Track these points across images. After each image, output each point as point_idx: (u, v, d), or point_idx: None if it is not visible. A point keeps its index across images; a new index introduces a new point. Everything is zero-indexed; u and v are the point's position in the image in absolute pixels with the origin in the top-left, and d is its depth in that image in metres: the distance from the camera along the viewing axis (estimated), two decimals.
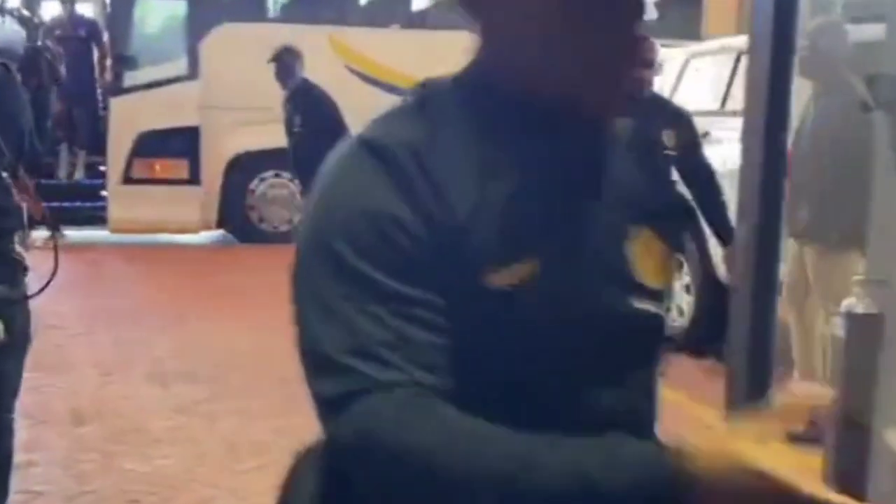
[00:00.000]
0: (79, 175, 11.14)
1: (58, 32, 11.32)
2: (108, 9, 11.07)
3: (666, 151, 3.76)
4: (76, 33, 11.51)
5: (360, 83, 11.31)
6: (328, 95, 7.78)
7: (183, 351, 6.36)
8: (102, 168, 11.00)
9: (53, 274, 3.48)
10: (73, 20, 11.55)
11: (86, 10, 12.25)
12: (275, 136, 11.26)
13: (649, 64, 4.12)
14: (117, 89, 10.85)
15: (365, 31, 11.49)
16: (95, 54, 11.74)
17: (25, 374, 5.65)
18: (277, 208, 11.42)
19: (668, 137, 4.01)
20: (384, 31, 11.69)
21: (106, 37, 11.46)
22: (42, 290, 3.43)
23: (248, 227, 11.36)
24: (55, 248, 3.57)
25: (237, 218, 11.33)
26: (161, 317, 7.31)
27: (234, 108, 11.11)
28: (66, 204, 10.95)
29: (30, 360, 5.71)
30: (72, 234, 10.77)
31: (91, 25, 11.71)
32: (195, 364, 6.06)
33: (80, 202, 11.14)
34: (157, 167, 11.00)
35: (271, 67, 10.58)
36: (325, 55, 11.33)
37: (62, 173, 11.36)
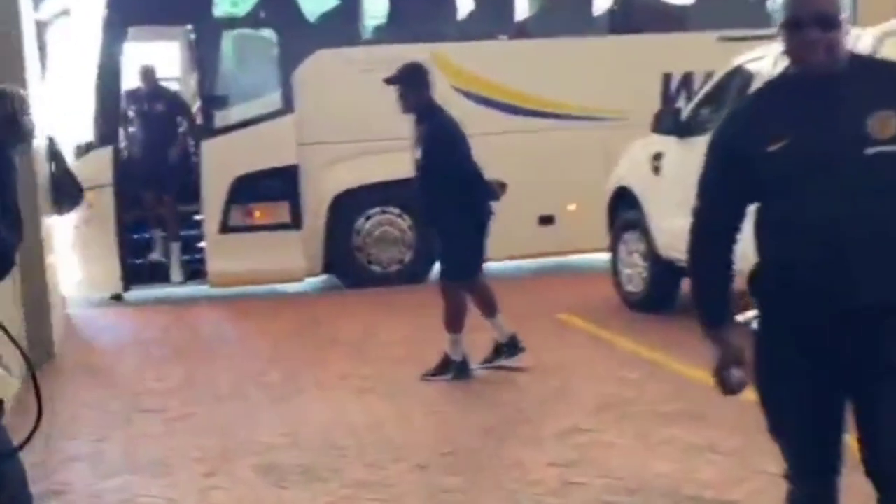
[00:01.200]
0: (175, 274, 10.17)
1: (134, 107, 10.24)
2: (194, 46, 10.25)
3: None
4: (154, 109, 10.24)
5: (468, 103, 10.33)
6: (455, 123, 6.58)
7: (294, 432, 5.41)
8: (197, 217, 10.16)
9: (37, 422, 2.85)
10: (150, 94, 10.26)
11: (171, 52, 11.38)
12: (379, 170, 10.42)
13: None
14: (208, 131, 10.04)
15: (469, 45, 10.51)
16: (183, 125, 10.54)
17: (118, 480, 4.83)
18: (387, 248, 10.49)
19: None
20: (489, 45, 10.71)
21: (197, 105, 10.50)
22: (29, 439, 2.83)
23: (356, 271, 10.46)
24: (36, 389, 2.93)
25: (344, 261, 10.43)
26: (266, 388, 6.39)
27: (333, 142, 10.24)
28: (162, 259, 10.23)
29: (124, 457, 4.88)
30: (170, 291, 10.03)
31: (172, 99, 10.49)
32: (309, 449, 5.10)
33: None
34: (257, 213, 10.16)
35: (390, 90, 9.71)
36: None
37: (177, 274, 10.23)
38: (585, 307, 8.65)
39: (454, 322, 6.49)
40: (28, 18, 8.04)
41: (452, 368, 6.45)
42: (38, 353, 7.22)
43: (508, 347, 6.65)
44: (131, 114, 10.25)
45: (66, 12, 10.48)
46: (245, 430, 5.49)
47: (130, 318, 9.20)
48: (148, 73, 10.21)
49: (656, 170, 8.06)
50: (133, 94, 10.21)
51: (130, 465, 4.96)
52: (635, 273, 8.48)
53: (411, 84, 6.51)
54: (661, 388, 6.02)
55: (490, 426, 5.41)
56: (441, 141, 6.41)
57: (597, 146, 10.71)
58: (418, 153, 6.52)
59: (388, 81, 6.63)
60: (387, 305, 9.12)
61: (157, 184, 10.15)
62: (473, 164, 6.47)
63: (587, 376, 6.39)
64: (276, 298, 10.03)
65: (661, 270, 8.11)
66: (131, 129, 10.37)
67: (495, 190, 6.63)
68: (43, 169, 8.12)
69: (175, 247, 10.10)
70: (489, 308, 6.63)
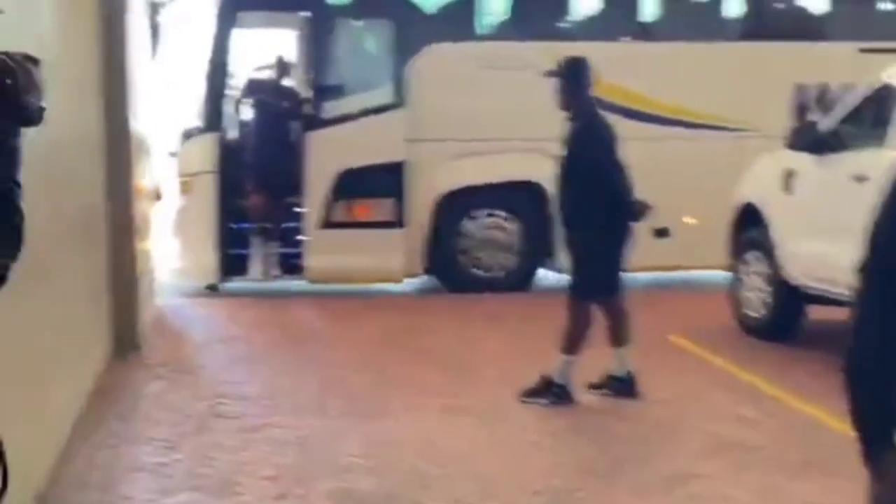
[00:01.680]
0: (267, 271, 9.85)
1: (258, 97, 9.85)
2: (306, 34, 9.91)
3: None
4: (279, 103, 9.89)
5: None
6: (608, 125, 6.16)
7: (375, 454, 4.99)
8: (298, 210, 9.84)
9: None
10: (278, 90, 9.95)
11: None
12: (489, 171, 9.97)
13: None
14: (315, 122, 9.70)
15: (590, 46, 9.95)
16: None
17: (181, 497, 4.47)
18: (492, 252, 10.03)
19: None
20: (612, 46, 10.15)
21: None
22: None
23: (458, 274, 10.03)
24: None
25: (446, 264, 10.01)
26: (350, 400, 5.98)
27: (444, 140, 9.82)
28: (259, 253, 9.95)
29: (191, 470, 4.53)
30: (266, 284, 9.73)
31: (295, 98, 10.01)
32: (390, 475, 4.67)
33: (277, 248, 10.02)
34: (360, 209, 9.79)
35: (506, 89, 9.33)
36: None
37: (257, 271, 9.87)
38: (699, 330, 8.06)
39: (572, 343, 5.96)
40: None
41: (552, 392, 5.96)
42: (123, 343, 7.00)
43: (622, 385, 6.12)
44: (250, 103, 9.92)
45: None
46: (323, 447, 5.09)
47: (222, 312, 8.91)
48: (281, 66, 9.89)
49: (788, 188, 7.43)
50: (258, 84, 9.87)
51: (197, 480, 4.61)
52: (756, 297, 7.86)
53: (572, 79, 6.02)
54: (785, 432, 5.43)
55: (589, 464, 4.91)
56: (588, 142, 5.92)
57: (720, 157, 10.09)
58: (563, 154, 6.05)
59: (549, 74, 6.16)
60: (488, 314, 8.66)
61: (268, 179, 9.77)
62: (620, 173, 5.93)
63: (700, 411, 5.83)
64: (373, 299, 9.66)
65: (786, 296, 7.51)
66: (248, 119, 10.05)
67: (638, 209, 6.04)
68: (140, 153, 7.88)
69: (273, 245, 9.77)
70: (620, 336, 6.11)
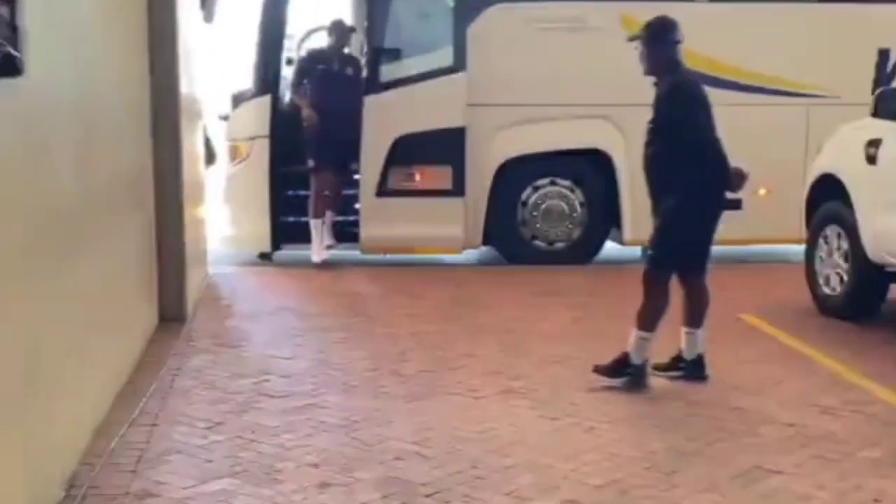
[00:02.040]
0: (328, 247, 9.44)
1: (321, 67, 9.27)
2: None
3: None
4: (343, 71, 9.38)
5: None
6: (697, 84, 5.61)
7: (426, 440, 4.68)
8: (356, 177, 9.53)
9: None
10: (341, 58, 9.42)
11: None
12: (552, 138, 9.57)
13: None
14: (373, 86, 9.36)
15: (662, 6, 9.44)
16: None
17: (217, 484, 4.20)
18: (553, 223, 9.66)
19: None
20: (684, 7, 9.58)
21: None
22: None
23: (518, 245, 9.68)
24: None
25: (506, 234, 9.66)
26: (403, 381, 5.67)
27: (505, 105, 9.45)
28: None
29: (231, 454, 4.26)
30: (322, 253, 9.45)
31: (355, 64, 9.54)
32: (442, 464, 4.36)
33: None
34: (417, 176, 9.47)
35: (571, 52, 8.89)
36: (615, 37, 9.44)
37: (316, 242, 9.35)
38: (773, 308, 7.64)
39: (649, 319, 5.56)
40: None
41: (627, 373, 5.59)
42: (169, 314, 6.77)
43: (691, 368, 5.74)
44: (313, 72, 9.35)
45: None
46: (372, 431, 4.78)
47: (273, 282, 8.64)
48: (340, 30, 9.37)
49: (871, 159, 6.94)
50: (320, 54, 9.43)
51: (236, 465, 4.32)
52: (835, 274, 7.41)
53: (655, 41, 5.58)
54: (869, 423, 5.02)
55: (655, 456, 4.54)
56: (674, 101, 5.47)
57: (796, 125, 9.64)
58: (650, 119, 5.63)
59: (632, 39, 5.73)
60: (549, 288, 8.30)
61: (333, 154, 9.26)
62: (712, 136, 5.47)
63: (775, 399, 5.42)
64: (429, 269, 9.34)
65: (868, 274, 7.06)
66: (312, 88, 9.61)
67: (733, 178, 5.55)
68: (190, 115, 7.61)
69: (329, 215, 9.40)
70: (696, 317, 5.71)
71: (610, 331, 6.56)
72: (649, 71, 5.66)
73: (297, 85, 9.20)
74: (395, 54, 9.47)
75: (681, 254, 5.60)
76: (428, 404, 5.23)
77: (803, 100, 9.63)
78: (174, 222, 6.83)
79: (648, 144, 5.62)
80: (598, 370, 5.61)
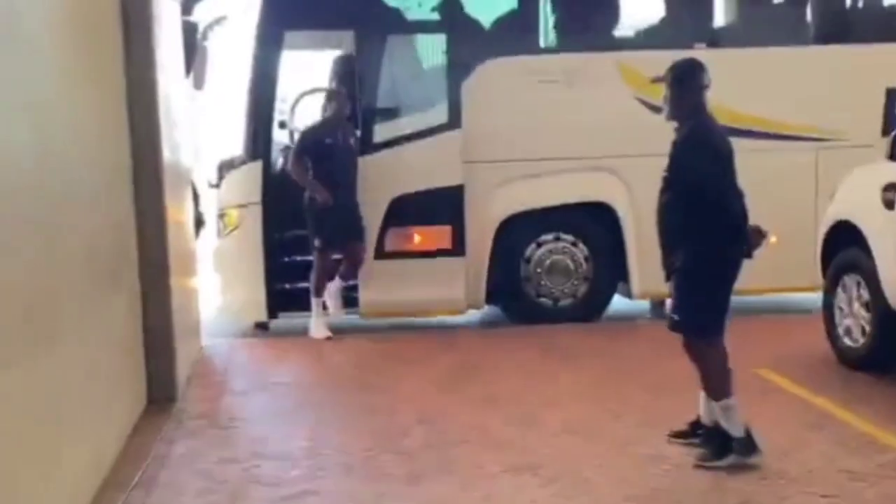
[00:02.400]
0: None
1: (328, 141, 8.61)
2: (355, 51, 9.30)
3: None
4: (347, 142, 8.76)
5: (654, 117, 9.07)
6: (716, 131, 5.30)
7: None
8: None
9: None
10: (343, 129, 8.78)
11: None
12: (554, 192, 9.26)
13: None
14: (367, 146, 9.08)
15: (660, 55, 9.20)
16: None
17: None
18: (558, 279, 9.33)
19: None
20: (683, 55, 9.31)
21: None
22: None
23: (523, 304, 9.34)
24: None
25: (510, 293, 9.34)
26: (406, 459, 5.31)
27: (504, 161, 9.16)
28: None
29: None
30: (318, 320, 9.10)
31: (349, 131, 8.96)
32: None
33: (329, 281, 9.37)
34: (416, 237, 9.15)
35: (570, 105, 8.65)
36: (614, 87, 9.21)
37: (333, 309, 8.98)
38: (790, 361, 7.29)
39: (717, 385, 5.19)
40: (168, 15, 7.27)
41: (734, 448, 5.12)
42: (157, 394, 6.43)
43: (715, 438, 5.25)
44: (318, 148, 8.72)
45: (221, 19, 9.75)
46: None
47: (269, 353, 8.29)
48: (341, 99, 8.85)
49: (889, 204, 6.62)
50: (321, 127, 8.81)
51: None
52: (856, 325, 7.07)
53: (680, 84, 5.27)
54: None
55: None
56: (691, 149, 5.14)
57: (805, 170, 9.35)
58: (666, 169, 5.30)
59: (655, 80, 5.42)
60: (556, 349, 7.95)
61: (343, 230, 8.75)
62: (728, 189, 5.12)
63: (802, 465, 5.06)
64: (431, 333, 8.98)
65: (891, 324, 6.71)
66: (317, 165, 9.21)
67: (751, 238, 5.16)
68: (178, 183, 7.34)
69: (338, 282, 9.04)
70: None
71: (623, 395, 6.23)
72: (671, 116, 5.34)
73: (299, 163, 8.67)
74: (389, 113, 9.20)
75: (704, 317, 5.21)
76: (431, 486, 4.88)
77: (811, 143, 9.34)
78: (161, 296, 6.52)
79: (662, 193, 5.31)
80: (703, 460, 5.16)
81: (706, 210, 5.05)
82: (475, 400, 6.49)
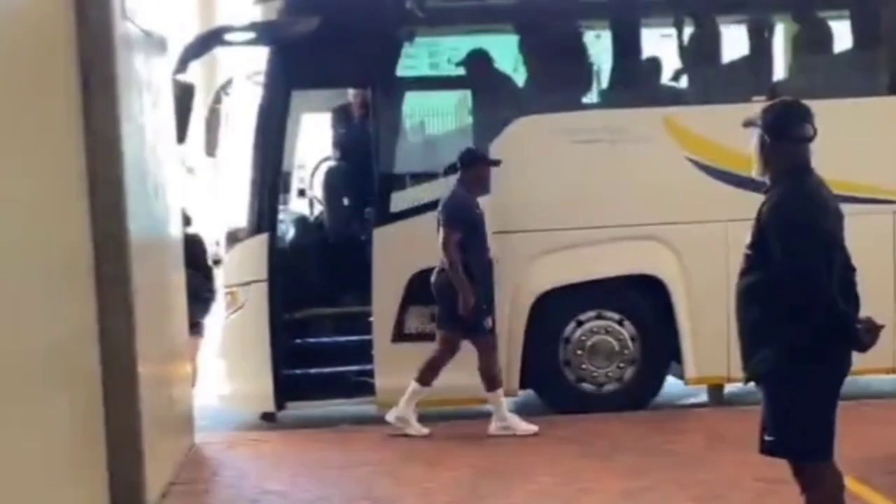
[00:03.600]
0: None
1: (479, 210, 7.59)
2: (371, 113, 8.41)
3: None
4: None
5: (708, 179, 8.07)
6: (817, 195, 4.20)
7: None
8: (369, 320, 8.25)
9: None
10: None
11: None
12: (595, 265, 8.21)
13: None
14: (382, 216, 8.15)
15: (712, 110, 8.21)
16: None
17: None
18: (601, 362, 8.27)
19: None
20: (738, 109, 8.26)
21: None
22: None
23: (562, 389, 8.28)
24: None
25: (547, 377, 8.28)
26: None
27: (539, 231, 8.15)
28: (325, 370, 8.38)
29: None
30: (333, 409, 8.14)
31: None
32: None
33: (342, 366, 8.42)
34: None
35: (611, 167, 7.69)
36: (661, 145, 8.21)
37: None
38: (875, 464, 6.13)
39: None
40: (152, 76, 6.45)
41: None
42: None
43: None
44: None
45: (230, 81, 8.98)
46: None
47: (268, 452, 7.28)
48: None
49: None
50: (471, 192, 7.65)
51: None
52: None
53: (775, 133, 4.20)
54: None
55: None
56: (785, 223, 4.07)
57: (884, 236, 8.23)
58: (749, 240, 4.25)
59: (747, 124, 4.35)
60: (598, 444, 6.92)
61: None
62: (823, 272, 3.99)
63: None
64: (457, 425, 7.90)
65: None
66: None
67: (863, 334, 4.06)
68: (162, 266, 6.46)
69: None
70: None
71: None
72: (762, 170, 4.26)
73: (454, 238, 7.38)
74: (409, 178, 8.29)
75: (808, 434, 4.14)
76: None
77: (889, 206, 8.25)
78: (125, 391, 5.56)
79: (743, 274, 4.25)
80: None
81: (806, 303, 4.00)
82: None
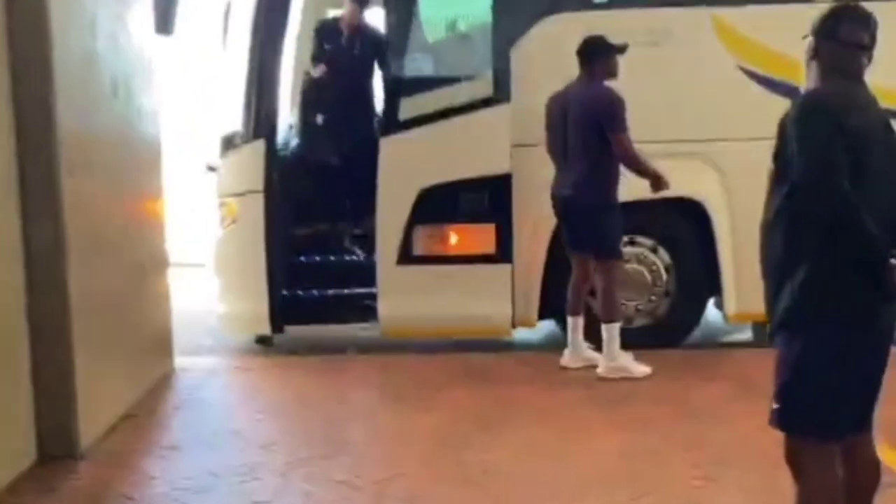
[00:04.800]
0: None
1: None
2: (384, 11, 7.56)
3: None
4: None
5: (762, 92, 7.09)
6: (848, 117, 3.26)
7: None
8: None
9: None
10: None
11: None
12: (628, 185, 7.23)
13: None
14: (391, 124, 7.35)
15: (768, 9, 7.19)
16: None
17: None
18: (632, 294, 7.41)
19: None
20: (799, 8, 7.16)
21: None
22: None
23: (585, 323, 7.40)
24: None
25: None
26: None
27: None
28: (329, 291, 7.70)
29: None
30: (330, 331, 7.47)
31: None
32: None
33: (347, 288, 7.72)
34: (451, 238, 7.38)
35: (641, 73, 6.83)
36: (707, 49, 7.24)
37: None
38: None
39: None
40: None
41: None
42: (54, 450, 4.86)
43: None
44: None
45: None
46: None
47: (247, 383, 6.65)
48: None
49: None
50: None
51: None
52: None
53: (825, 37, 3.39)
54: None
55: None
56: (797, 112, 3.25)
57: None
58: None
59: (806, 36, 3.51)
60: (611, 388, 6.13)
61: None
62: (841, 177, 3.10)
63: None
64: (469, 357, 7.17)
65: None
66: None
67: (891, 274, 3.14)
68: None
69: None
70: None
71: (670, 476, 4.36)
72: (809, 80, 3.46)
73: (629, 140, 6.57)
74: (420, 83, 7.44)
75: (826, 406, 3.29)
76: None
77: None
78: (54, 317, 4.89)
79: (769, 197, 3.39)
80: None
81: (823, 227, 3.16)
82: (466, 471, 4.70)
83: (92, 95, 5.33)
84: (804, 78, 3.49)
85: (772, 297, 3.32)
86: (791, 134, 3.23)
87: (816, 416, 3.24)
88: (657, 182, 6.59)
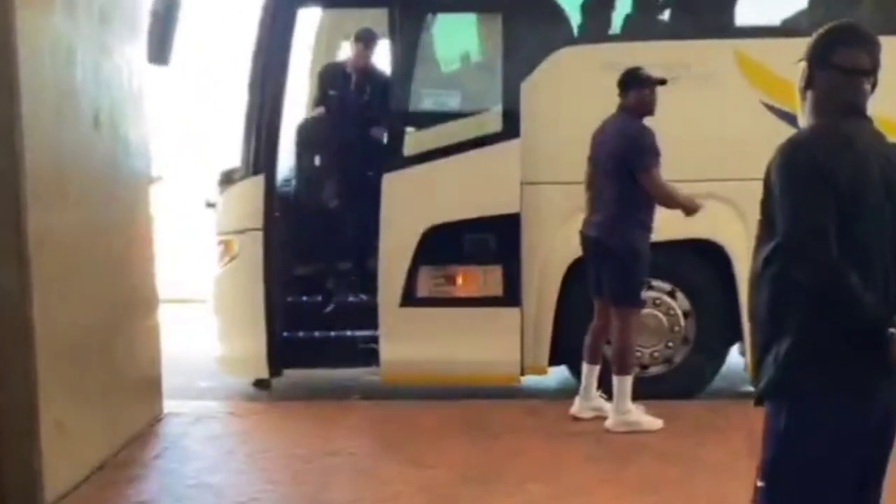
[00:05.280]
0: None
1: None
2: (388, 41, 7.29)
3: None
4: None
5: (784, 127, 6.69)
6: (833, 163, 2.93)
7: None
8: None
9: None
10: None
11: None
12: None
13: None
14: (393, 160, 7.05)
15: (793, 42, 6.83)
16: None
17: None
18: (648, 339, 7.04)
19: None
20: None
21: None
22: None
23: (601, 370, 7.06)
24: None
25: (581, 354, 7.07)
26: None
27: (576, 182, 6.88)
28: (330, 334, 7.39)
29: None
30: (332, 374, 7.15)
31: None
32: None
33: (345, 331, 7.39)
34: (457, 280, 7.05)
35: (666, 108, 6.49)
36: (729, 84, 6.90)
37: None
38: None
39: None
40: None
41: None
42: (14, 497, 4.55)
43: None
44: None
45: None
46: None
47: (234, 431, 6.32)
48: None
49: None
50: None
51: None
52: None
53: (817, 62, 3.07)
54: None
55: None
56: (779, 160, 2.99)
57: None
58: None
59: (800, 60, 3.20)
60: (624, 441, 5.75)
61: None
62: (827, 235, 2.80)
63: None
64: (474, 406, 6.80)
65: None
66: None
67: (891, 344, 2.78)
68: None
69: None
70: None
71: None
72: (802, 111, 3.18)
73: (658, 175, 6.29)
74: (426, 117, 7.14)
75: (815, 491, 2.90)
76: None
77: None
78: (19, 363, 4.61)
79: (758, 245, 3.04)
80: None
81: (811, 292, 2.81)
82: None
83: (68, 126, 5.06)
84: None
85: (758, 357, 2.97)
86: (774, 183, 2.88)
87: (805, 502, 2.86)
88: (691, 208, 6.26)
